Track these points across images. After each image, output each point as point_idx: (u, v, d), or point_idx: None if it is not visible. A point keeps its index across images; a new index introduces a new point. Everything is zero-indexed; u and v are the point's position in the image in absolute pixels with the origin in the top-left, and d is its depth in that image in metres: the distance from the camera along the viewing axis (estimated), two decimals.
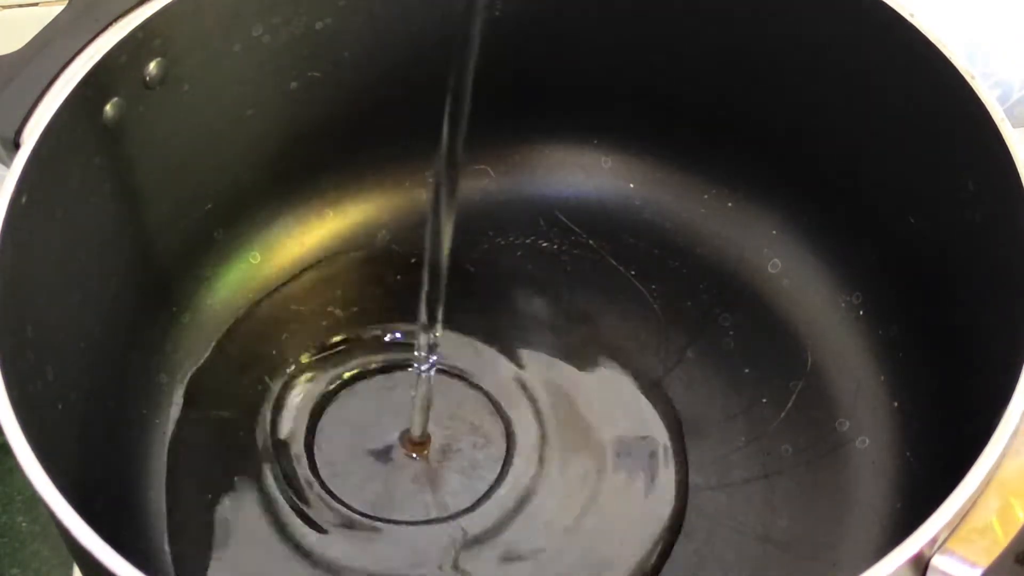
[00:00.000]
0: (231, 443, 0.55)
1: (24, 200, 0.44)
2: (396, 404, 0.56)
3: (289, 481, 0.54)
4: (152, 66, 0.50)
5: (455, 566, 0.52)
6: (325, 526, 0.53)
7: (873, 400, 0.55)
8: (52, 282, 0.47)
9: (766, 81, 0.57)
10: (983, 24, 0.70)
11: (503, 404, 0.57)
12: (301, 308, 0.59)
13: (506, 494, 0.54)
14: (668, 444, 0.56)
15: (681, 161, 0.62)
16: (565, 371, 0.58)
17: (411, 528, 0.53)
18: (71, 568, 0.64)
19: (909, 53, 0.49)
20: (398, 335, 0.58)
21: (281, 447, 0.55)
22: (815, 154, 0.57)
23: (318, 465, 0.55)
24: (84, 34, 0.48)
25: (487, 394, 0.57)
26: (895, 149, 0.53)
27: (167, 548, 0.52)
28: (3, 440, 0.39)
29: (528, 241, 0.62)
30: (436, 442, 0.55)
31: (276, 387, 0.57)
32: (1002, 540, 0.39)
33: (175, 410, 0.56)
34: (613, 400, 0.57)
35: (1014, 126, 0.46)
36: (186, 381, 0.56)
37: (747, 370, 0.58)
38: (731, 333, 0.59)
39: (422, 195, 0.62)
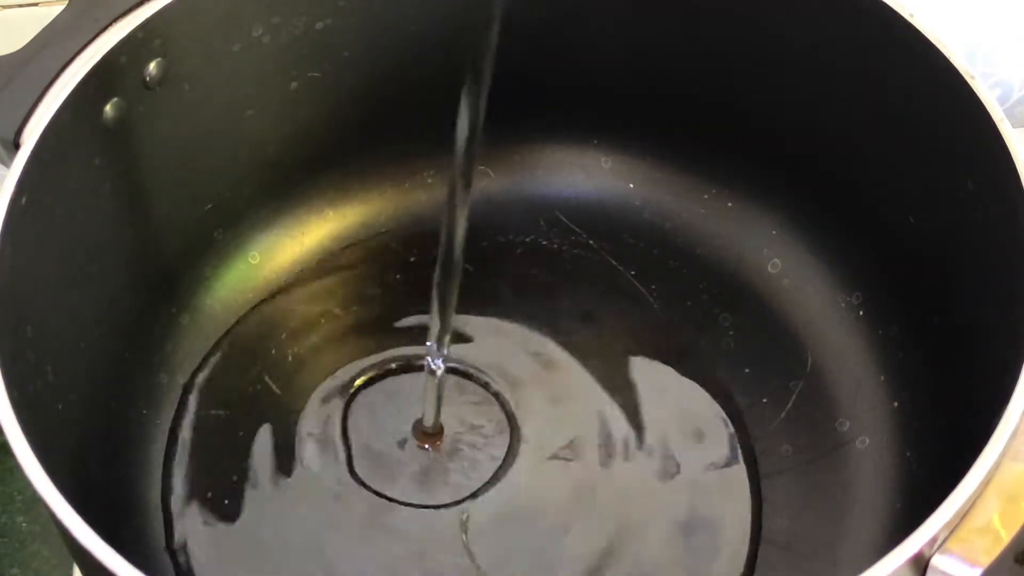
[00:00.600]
0: (231, 443, 0.55)
1: (24, 200, 0.44)
2: (400, 403, 0.56)
3: (289, 481, 0.54)
4: (152, 66, 0.50)
5: (464, 548, 0.52)
6: (326, 525, 0.53)
7: (873, 400, 0.55)
8: (52, 282, 0.47)
9: (766, 81, 0.57)
10: (983, 24, 0.70)
11: (505, 402, 0.57)
12: (301, 308, 0.59)
13: (508, 485, 0.54)
14: (668, 443, 0.56)
15: (681, 161, 0.62)
16: (565, 371, 0.58)
17: (420, 512, 0.53)
18: (71, 568, 0.64)
19: (909, 53, 0.49)
20: (398, 334, 0.58)
21: (283, 446, 0.55)
22: (815, 154, 0.57)
23: (319, 464, 0.55)
24: (84, 34, 0.48)
25: (489, 391, 0.57)
26: (895, 149, 0.53)
27: (167, 548, 0.52)
28: (3, 440, 0.39)
29: (528, 241, 0.62)
30: (446, 436, 0.55)
31: (276, 387, 0.57)
32: (1002, 540, 0.39)
33: (175, 410, 0.56)
34: (613, 400, 0.57)
35: (1014, 126, 0.46)
36: (186, 381, 0.57)
37: (747, 370, 0.58)
38: (731, 333, 0.59)
39: (422, 195, 0.62)
